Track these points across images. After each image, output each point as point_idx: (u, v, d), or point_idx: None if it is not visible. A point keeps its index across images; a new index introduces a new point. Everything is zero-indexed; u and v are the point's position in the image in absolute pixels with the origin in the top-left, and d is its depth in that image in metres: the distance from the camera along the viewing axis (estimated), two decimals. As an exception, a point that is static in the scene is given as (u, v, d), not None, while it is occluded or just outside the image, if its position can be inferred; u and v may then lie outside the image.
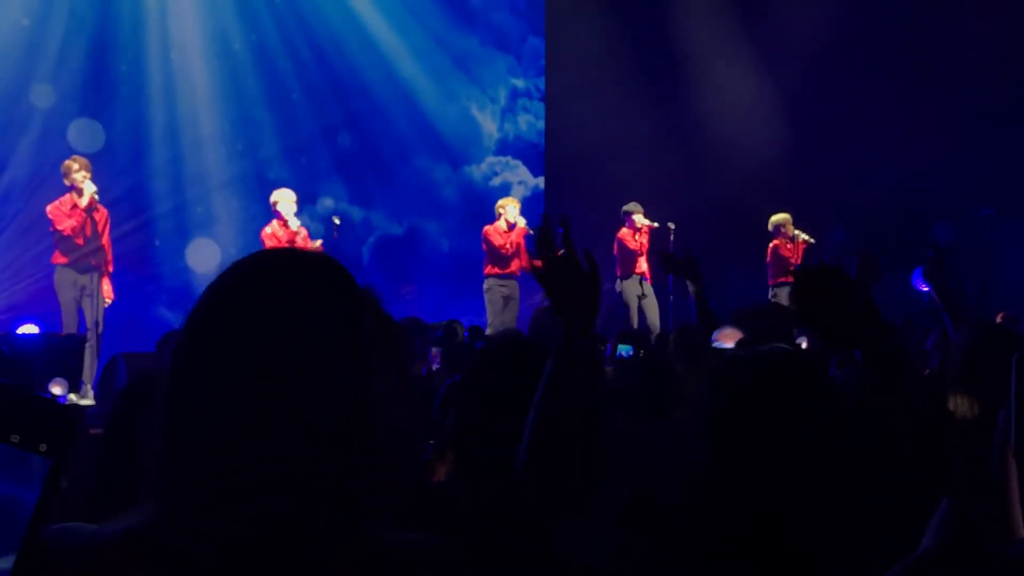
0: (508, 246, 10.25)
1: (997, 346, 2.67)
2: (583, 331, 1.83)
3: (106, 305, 8.61)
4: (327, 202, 12.80)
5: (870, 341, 1.77)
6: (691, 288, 4.16)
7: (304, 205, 10.74)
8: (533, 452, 1.72)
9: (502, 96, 14.28)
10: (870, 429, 2.06)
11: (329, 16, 13.01)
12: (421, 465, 2.47)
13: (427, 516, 2.21)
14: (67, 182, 8.44)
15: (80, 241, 8.36)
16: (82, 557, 1.15)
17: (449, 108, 13.88)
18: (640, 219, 10.73)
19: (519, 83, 14.33)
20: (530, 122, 14.31)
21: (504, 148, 14.22)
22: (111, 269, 8.79)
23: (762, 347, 1.71)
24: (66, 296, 8.41)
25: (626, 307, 10.68)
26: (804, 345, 4.54)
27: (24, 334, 8.97)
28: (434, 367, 6.68)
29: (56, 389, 7.02)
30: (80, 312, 8.43)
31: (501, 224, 10.34)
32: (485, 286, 10.34)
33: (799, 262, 10.73)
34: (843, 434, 1.59)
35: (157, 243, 11.88)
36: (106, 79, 11.65)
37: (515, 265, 10.32)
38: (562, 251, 1.88)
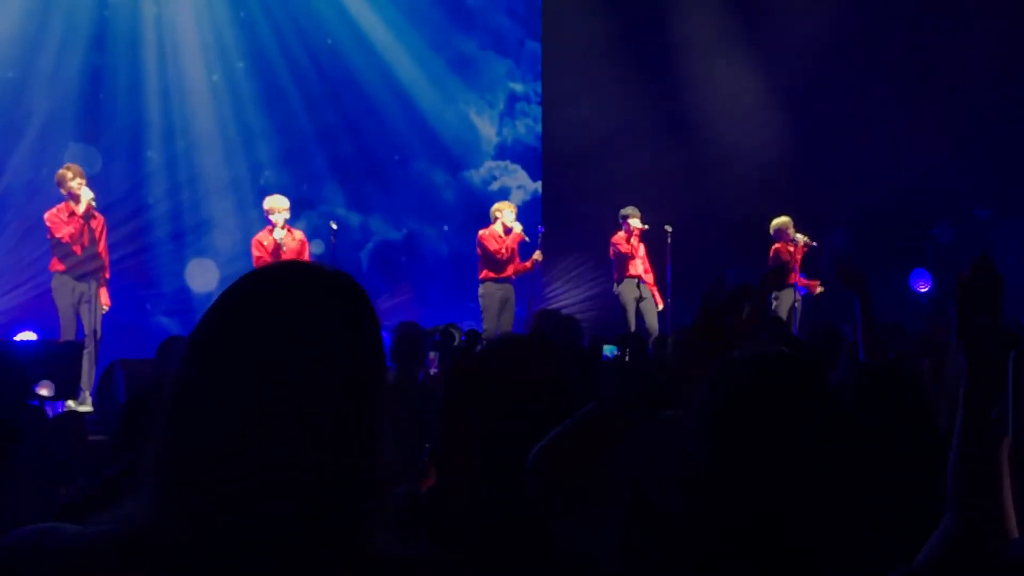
0: (504, 251, 10.24)
1: (997, 346, 2.66)
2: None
3: (104, 312, 8.61)
4: (325, 207, 12.80)
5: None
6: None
7: (302, 210, 10.75)
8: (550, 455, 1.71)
9: (501, 100, 14.27)
10: (868, 430, 2.05)
11: (327, 21, 13.01)
12: (418, 469, 2.46)
13: (424, 520, 2.20)
14: (63, 191, 8.45)
15: (77, 248, 8.36)
16: (63, 559, 1.14)
17: (448, 112, 13.88)
18: (635, 223, 10.73)
19: (518, 87, 14.32)
20: (529, 126, 14.30)
21: (503, 152, 14.21)
22: (108, 276, 8.80)
23: (761, 349, 1.71)
24: (64, 303, 8.41)
25: (623, 310, 10.68)
26: None
27: (22, 341, 8.96)
28: (431, 371, 6.67)
29: (44, 391, 7.01)
30: (78, 319, 8.43)
31: (497, 228, 10.33)
32: (481, 291, 10.31)
33: (799, 266, 10.74)
34: (842, 434, 1.58)
35: (154, 249, 11.86)
36: (102, 85, 11.65)
37: (510, 269, 10.32)
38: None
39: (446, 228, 13.75)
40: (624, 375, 3.43)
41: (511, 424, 2.04)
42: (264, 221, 9.59)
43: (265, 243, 9.34)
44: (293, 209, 9.77)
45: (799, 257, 10.84)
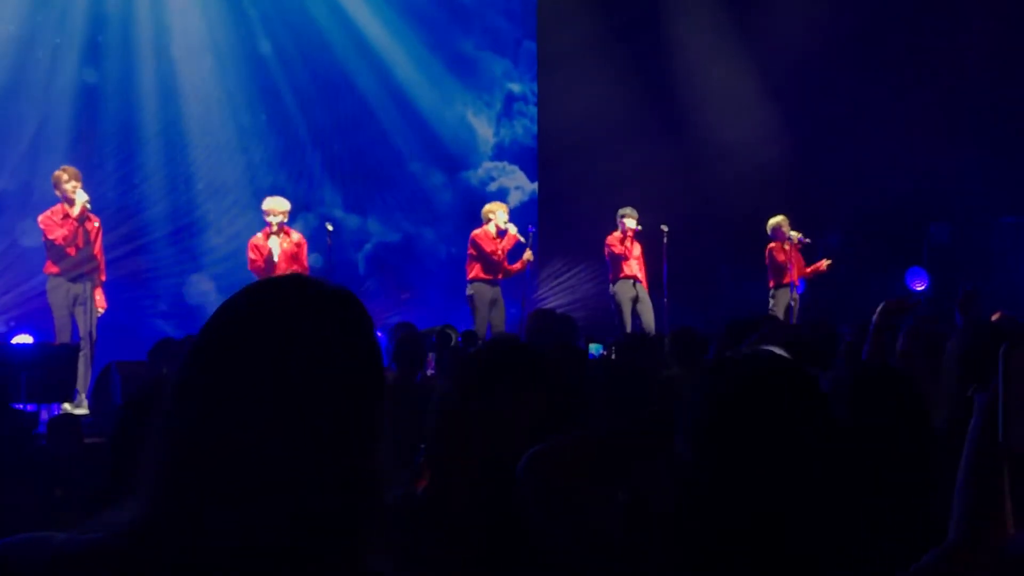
0: (499, 252, 10.22)
1: (995, 346, 2.65)
2: None
3: (99, 314, 8.60)
4: (322, 209, 12.79)
5: None
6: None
7: (299, 212, 10.75)
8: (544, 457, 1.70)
9: (498, 101, 14.26)
10: (867, 430, 2.04)
11: (324, 21, 12.99)
12: (413, 471, 2.45)
13: (421, 521, 2.19)
14: (58, 193, 8.43)
15: (72, 251, 8.35)
16: (52, 567, 1.13)
17: (445, 113, 13.86)
18: (630, 223, 10.74)
19: (515, 87, 14.31)
20: (527, 126, 14.29)
21: (501, 153, 14.20)
22: (104, 278, 8.79)
23: (758, 349, 1.71)
24: (59, 305, 8.40)
25: (618, 310, 10.68)
26: None
27: (18, 344, 8.95)
28: (428, 372, 6.67)
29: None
30: (73, 321, 8.42)
31: (491, 229, 10.31)
32: (470, 290, 10.26)
33: (794, 264, 10.75)
34: (841, 435, 1.58)
35: (150, 251, 11.84)
36: (97, 87, 11.64)
37: (501, 273, 10.30)
38: None
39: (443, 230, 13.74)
40: (615, 387, 3.40)
41: (508, 426, 2.04)
42: (263, 222, 9.57)
43: (260, 246, 9.31)
44: (290, 211, 9.73)
45: (795, 255, 10.85)
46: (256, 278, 8.10)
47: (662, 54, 13.36)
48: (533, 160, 14.18)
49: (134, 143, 11.84)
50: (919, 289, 12.28)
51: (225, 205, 12.29)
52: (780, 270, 10.83)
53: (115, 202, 11.29)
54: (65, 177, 8.39)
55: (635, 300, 10.69)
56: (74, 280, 8.39)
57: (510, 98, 14.29)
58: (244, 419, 1.14)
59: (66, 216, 8.37)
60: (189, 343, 1.25)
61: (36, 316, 9.70)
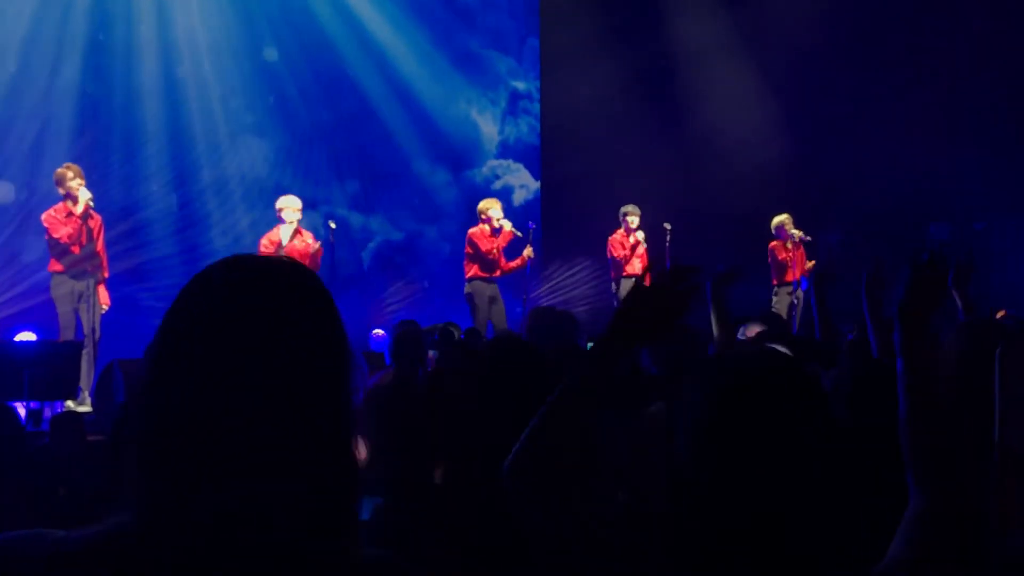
0: (495, 251, 10.20)
1: (992, 346, 2.66)
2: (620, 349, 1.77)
3: (103, 311, 8.61)
4: (325, 207, 12.79)
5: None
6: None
7: (303, 210, 10.74)
8: (525, 458, 1.69)
9: (503, 98, 14.26)
10: (868, 430, 2.05)
11: (328, 19, 12.99)
12: (415, 468, 2.45)
13: (422, 519, 2.20)
14: (61, 191, 8.43)
15: (75, 248, 8.35)
16: (46, 564, 1.13)
17: (450, 111, 13.86)
18: (633, 221, 10.74)
19: (520, 85, 14.31)
20: (531, 124, 14.28)
21: (505, 151, 14.20)
22: (107, 275, 8.79)
23: (755, 347, 1.71)
24: (62, 303, 8.41)
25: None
26: None
27: (21, 341, 8.96)
28: (431, 370, 6.66)
29: None
30: (77, 319, 8.42)
31: (487, 227, 10.29)
32: (468, 288, 10.22)
33: (796, 262, 10.75)
34: (840, 434, 1.58)
35: (153, 248, 11.85)
36: (100, 84, 11.65)
37: (499, 271, 10.30)
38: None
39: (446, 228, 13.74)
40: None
41: (506, 425, 2.04)
42: (268, 220, 9.60)
43: (271, 241, 9.33)
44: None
45: (797, 254, 10.85)
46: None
47: (664, 52, 13.36)
48: (538, 158, 14.17)
49: (137, 141, 11.84)
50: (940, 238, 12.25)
51: (229, 203, 12.30)
52: (782, 268, 10.85)
53: (118, 199, 11.29)
54: (69, 175, 8.40)
55: (637, 299, 10.66)
56: (77, 277, 8.40)
57: (515, 96, 14.29)
58: (231, 401, 1.13)
59: (69, 214, 8.37)
60: None
61: (39, 313, 9.72)
